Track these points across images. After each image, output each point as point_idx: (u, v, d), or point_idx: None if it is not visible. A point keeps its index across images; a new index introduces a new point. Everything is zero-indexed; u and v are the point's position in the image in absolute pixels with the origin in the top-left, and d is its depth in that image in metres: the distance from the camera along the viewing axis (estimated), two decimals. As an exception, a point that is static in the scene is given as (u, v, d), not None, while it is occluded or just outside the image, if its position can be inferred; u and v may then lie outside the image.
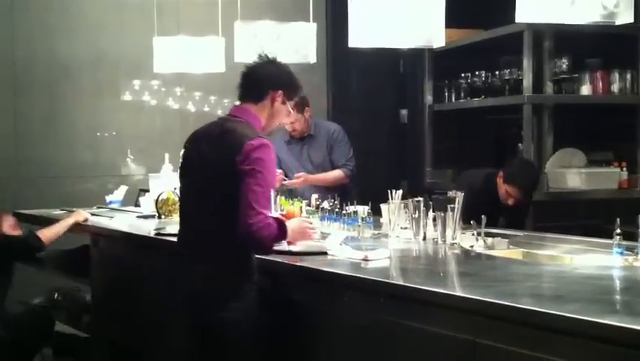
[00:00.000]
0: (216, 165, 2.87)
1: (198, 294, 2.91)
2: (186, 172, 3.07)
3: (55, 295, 5.18)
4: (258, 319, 2.91)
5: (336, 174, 5.03)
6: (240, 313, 2.85)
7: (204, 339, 2.93)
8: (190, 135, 3.10)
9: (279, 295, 3.13)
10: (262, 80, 3.04)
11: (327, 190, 4.69)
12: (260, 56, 3.12)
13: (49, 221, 4.96)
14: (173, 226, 4.26)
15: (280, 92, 3.03)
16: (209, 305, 2.87)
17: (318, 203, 4.20)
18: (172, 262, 3.13)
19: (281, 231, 2.86)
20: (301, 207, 3.91)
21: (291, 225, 2.99)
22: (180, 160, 3.11)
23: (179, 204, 3.18)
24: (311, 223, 3.24)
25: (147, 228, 4.33)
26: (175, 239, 3.90)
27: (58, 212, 5.08)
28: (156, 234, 4.10)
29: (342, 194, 4.37)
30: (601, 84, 5.29)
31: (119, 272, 4.42)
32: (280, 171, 4.60)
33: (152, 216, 4.75)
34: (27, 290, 5.44)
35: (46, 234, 4.48)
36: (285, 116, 3.20)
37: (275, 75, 3.06)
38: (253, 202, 2.76)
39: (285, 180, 4.76)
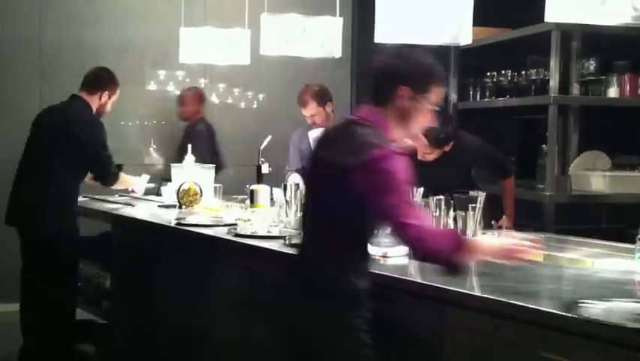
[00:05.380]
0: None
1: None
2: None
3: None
4: None
5: None
6: None
7: None
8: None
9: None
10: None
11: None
12: None
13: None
14: (193, 216, 4.28)
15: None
16: None
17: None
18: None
19: (457, 243, 2.40)
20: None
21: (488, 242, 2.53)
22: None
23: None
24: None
25: (168, 217, 4.35)
26: (194, 229, 3.93)
27: (81, 199, 5.10)
28: (177, 224, 4.12)
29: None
30: (628, 87, 5.23)
31: (139, 260, 4.45)
32: None
33: (174, 206, 4.77)
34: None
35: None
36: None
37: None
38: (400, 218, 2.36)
39: None
